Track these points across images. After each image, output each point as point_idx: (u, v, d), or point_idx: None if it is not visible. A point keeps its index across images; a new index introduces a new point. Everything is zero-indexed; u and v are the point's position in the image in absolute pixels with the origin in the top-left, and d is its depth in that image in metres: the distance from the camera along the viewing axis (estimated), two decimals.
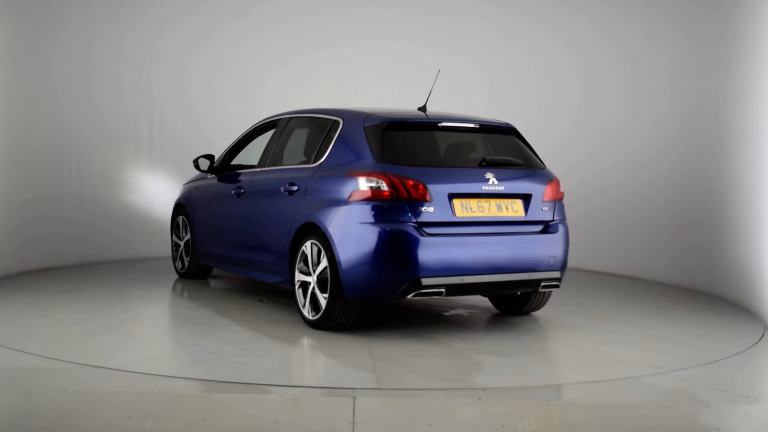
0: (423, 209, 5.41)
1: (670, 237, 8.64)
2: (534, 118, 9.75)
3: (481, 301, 6.98)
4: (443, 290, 5.42)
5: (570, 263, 9.24)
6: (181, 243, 8.13)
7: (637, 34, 9.18)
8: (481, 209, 5.62)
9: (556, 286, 5.94)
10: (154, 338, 5.75)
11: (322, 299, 5.66)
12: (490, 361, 5.07)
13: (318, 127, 6.35)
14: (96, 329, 5.73)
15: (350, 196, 5.47)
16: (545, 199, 5.91)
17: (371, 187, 5.40)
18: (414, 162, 5.65)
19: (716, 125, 7.91)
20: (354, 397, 4.18)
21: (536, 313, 6.59)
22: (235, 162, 7.49)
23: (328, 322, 5.68)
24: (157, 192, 9.82)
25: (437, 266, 5.38)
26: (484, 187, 5.63)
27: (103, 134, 9.35)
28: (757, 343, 5.85)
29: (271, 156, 6.77)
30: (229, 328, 5.87)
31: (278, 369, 4.81)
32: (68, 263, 8.79)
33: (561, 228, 5.98)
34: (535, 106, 9.83)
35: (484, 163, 5.79)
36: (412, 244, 5.32)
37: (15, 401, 4.12)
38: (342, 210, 5.50)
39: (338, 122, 6.04)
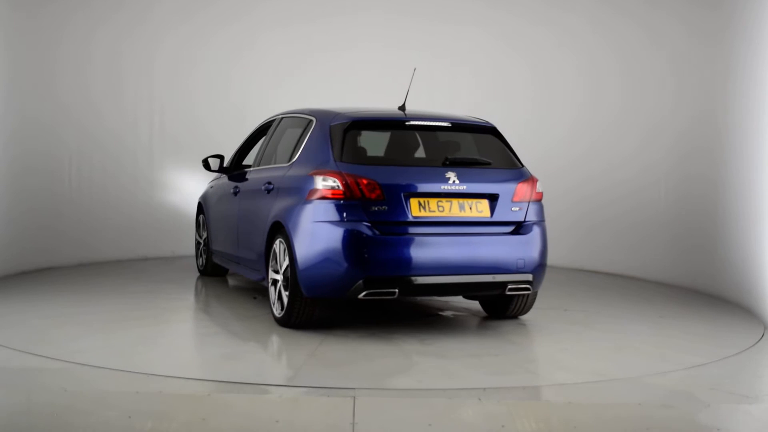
0: (376, 208, 5.36)
1: (670, 237, 8.64)
2: (533, 116, 9.78)
3: (475, 303, 6.89)
4: (395, 291, 5.36)
5: (576, 264, 9.38)
6: (201, 241, 8.27)
7: (636, 36, 9.18)
8: (441, 209, 5.51)
9: (527, 290, 5.71)
10: (128, 333, 5.67)
11: (285, 297, 5.70)
12: (424, 363, 4.95)
13: (297, 126, 6.40)
14: (96, 329, 5.73)
15: (309, 194, 5.50)
16: (515, 199, 5.73)
17: (326, 186, 5.42)
18: (373, 161, 5.70)
19: (716, 126, 7.91)
20: (354, 397, 4.17)
21: (525, 317, 6.40)
22: (246, 161, 7.58)
23: (290, 320, 5.71)
24: (157, 192, 9.82)
25: (389, 266, 5.32)
26: (443, 187, 5.51)
27: (104, 134, 9.36)
28: (757, 343, 5.85)
29: (263, 155, 6.88)
30: (200, 323, 6.01)
31: (203, 362, 4.85)
32: (68, 263, 8.79)
33: (535, 229, 5.76)
34: (535, 105, 9.84)
35: (447, 162, 5.68)
36: (364, 244, 5.29)
37: (15, 401, 4.12)
38: (301, 209, 5.54)
39: (312, 121, 6.08)
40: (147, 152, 9.78)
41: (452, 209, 5.54)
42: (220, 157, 7.56)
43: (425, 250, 5.41)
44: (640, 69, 9.13)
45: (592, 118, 9.57)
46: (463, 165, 5.71)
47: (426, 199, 5.49)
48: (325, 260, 5.36)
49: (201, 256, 8.32)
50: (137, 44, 9.58)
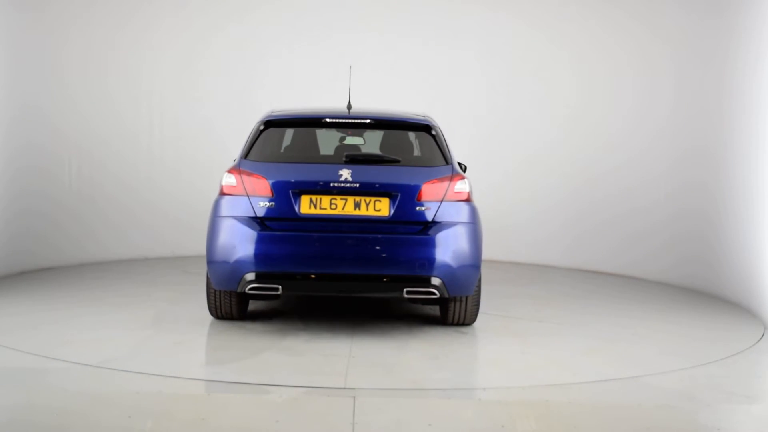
0: (264, 204, 5.48)
1: (670, 236, 8.63)
2: (537, 113, 9.78)
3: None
4: (278, 287, 5.36)
5: (576, 265, 9.36)
6: None
7: (641, 32, 9.18)
8: (333, 207, 5.46)
9: (432, 294, 5.37)
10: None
11: None
12: (268, 361, 4.96)
13: None
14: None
15: (219, 191, 5.72)
16: (422, 198, 5.48)
17: (227, 183, 5.63)
18: (275, 159, 5.80)
19: (716, 126, 7.91)
20: (354, 397, 4.18)
21: (477, 325, 5.99)
22: None
23: (213, 311, 5.92)
24: (159, 191, 9.81)
25: (273, 262, 5.38)
26: (333, 184, 5.45)
27: (105, 132, 9.32)
28: (757, 343, 5.85)
29: None
30: (146, 313, 6.25)
31: (94, 347, 5.10)
32: (69, 263, 8.79)
33: (450, 230, 5.44)
34: (539, 103, 9.84)
35: (345, 159, 5.65)
36: (248, 239, 5.41)
37: (15, 400, 4.12)
38: (213, 205, 5.74)
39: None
40: (147, 152, 9.76)
41: (346, 207, 5.47)
42: None
43: (312, 248, 5.40)
44: (640, 67, 9.12)
45: (588, 118, 9.55)
46: (365, 162, 5.67)
47: (318, 197, 5.48)
48: (220, 254, 5.50)
49: None
50: (134, 47, 9.53)
